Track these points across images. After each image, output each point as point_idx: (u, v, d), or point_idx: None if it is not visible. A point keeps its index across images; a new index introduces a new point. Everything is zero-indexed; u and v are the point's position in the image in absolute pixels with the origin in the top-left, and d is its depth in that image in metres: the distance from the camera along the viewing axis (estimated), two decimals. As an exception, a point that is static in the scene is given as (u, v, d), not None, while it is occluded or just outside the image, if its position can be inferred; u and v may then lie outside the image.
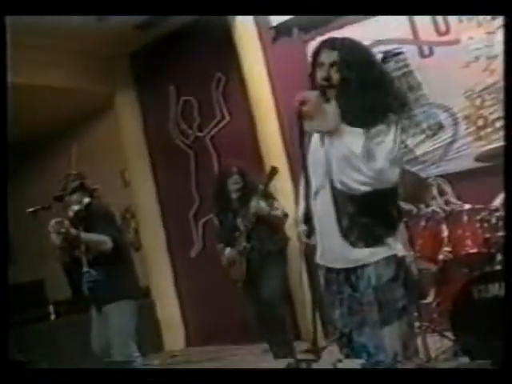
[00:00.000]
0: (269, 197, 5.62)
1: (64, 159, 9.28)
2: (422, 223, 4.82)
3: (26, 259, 9.44)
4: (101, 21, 6.61)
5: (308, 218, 3.07)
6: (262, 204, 5.46)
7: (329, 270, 3.10)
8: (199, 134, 7.72)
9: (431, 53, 5.95)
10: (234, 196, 5.74)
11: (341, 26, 6.32)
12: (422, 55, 6.00)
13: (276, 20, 6.81)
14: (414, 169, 5.75)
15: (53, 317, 5.38)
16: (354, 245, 2.97)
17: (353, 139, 2.90)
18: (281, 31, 6.85)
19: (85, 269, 5.10)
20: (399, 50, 6.07)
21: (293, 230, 3.44)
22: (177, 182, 7.92)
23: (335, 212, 3.00)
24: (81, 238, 4.94)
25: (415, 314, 3.21)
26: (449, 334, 4.41)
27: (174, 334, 8.02)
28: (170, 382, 3.78)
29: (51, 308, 5.44)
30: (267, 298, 5.48)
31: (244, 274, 5.62)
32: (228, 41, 7.06)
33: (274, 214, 5.58)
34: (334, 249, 3.04)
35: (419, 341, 4.46)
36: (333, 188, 3.00)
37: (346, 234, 2.98)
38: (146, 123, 8.23)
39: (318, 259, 3.14)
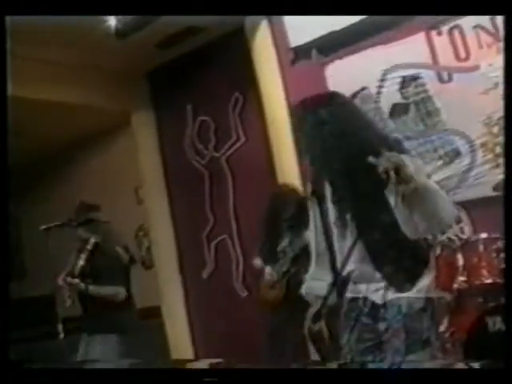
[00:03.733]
0: None
1: (79, 175, 9.39)
2: (438, 251, 4.76)
3: (38, 274, 9.45)
4: (121, 38, 6.63)
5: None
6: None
7: (354, 298, 3.14)
8: (215, 155, 7.70)
9: (450, 79, 5.90)
10: (284, 223, 5.60)
11: (360, 50, 6.33)
12: (441, 81, 5.95)
13: (295, 42, 6.79)
14: (430, 195, 5.70)
15: (62, 335, 5.35)
16: (400, 289, 3.02)
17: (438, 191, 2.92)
18: (300, 53, 6.82)
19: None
20: (418, 75, 6.04)
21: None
22: (191, 202, 7.90)
23: (374, 262, 3.04)
24: (90, 291, 5.05)
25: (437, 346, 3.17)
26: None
27: (182, 354, 7.96)
28: (173, 382, 3.73)
29: (60, 326, 5.41)
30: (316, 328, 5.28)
31: (280, 298, 5.46)
32: (246, 61, 7.05)
33: None
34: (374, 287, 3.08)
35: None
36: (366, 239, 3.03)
37: (390, 279, 3.03)
38: (162, 141, 8.22)
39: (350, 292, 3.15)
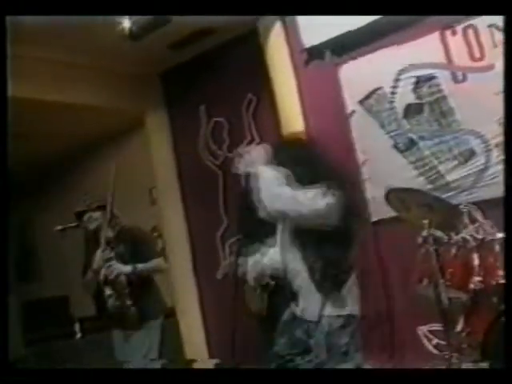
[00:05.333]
0: None
1: (92, 175, 9.41)
2: (453, 251, 4.75)
3: (52, 275, 9.50)
4: (134, 40, 6.64)
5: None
6: None
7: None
8: (229, 155, 7.71)
9: (465, 78, 5.88)
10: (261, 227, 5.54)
11: (373, 50, 6.32)
12: (456, 81, 5.93)
13: (308, 42, 6.79)
14: (444, 195, 5.68)
15: (79, 335, 5.37)
16: (327, 296, 3.62)
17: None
18: (313, 54, 6.81)
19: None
20: (432, 75, 6.03)
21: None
22: (205, 203, 7.91)
23: (308, 268, 3.66)
24: (139, 270, 5.03)
25: (359, 358, 3.72)
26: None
27: (197, 355, 7.97)
28: (173, 382, 3.77)
29: (77, 326, 5.43)
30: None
31: (264, 310, 5.37)
32: (260, 62, 7.06)
33: None
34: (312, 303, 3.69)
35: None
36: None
37: (319, 287, 3.63)
38: (176, 142, 8.25)
39: (300, 312, 3.77)
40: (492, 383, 2.90)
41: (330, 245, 3.58)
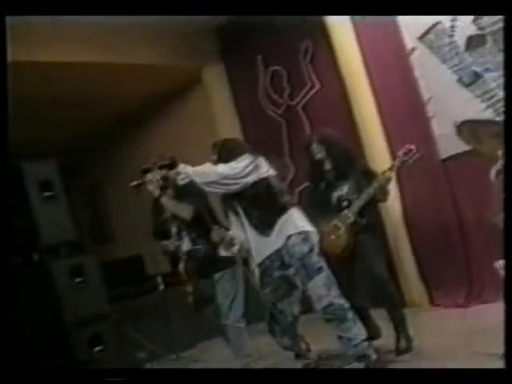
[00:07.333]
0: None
1: (155, 135, 9.50)
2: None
3: (125, 235, 9.68)
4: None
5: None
6: (384, 189, 5.13)
7: (263, 263, 4.62)
8: (291, 103, 7.70)
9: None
10: (326, 167, 5.23)
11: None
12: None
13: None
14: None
15: (161, 287, 5.43)
16: (266, 234, 4.55)
17: None
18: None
19: (190, 247, 5.23)
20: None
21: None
22: (269, 152, 7.88)
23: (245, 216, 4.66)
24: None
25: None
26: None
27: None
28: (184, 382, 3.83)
29: (159, 278, 5.49)
30: (378, 275, 5.15)
31: (344, 248, 5.10)
32: (314, 7, 6.98)
33: (386, 190, 5.16)
34: (259, 245, 4.60)
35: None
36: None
37: (257, 228, 4.59)
38: (235, 95, 8.27)
39: (256, 260, 4.64)
40: (492, 383, 2.94)
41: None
